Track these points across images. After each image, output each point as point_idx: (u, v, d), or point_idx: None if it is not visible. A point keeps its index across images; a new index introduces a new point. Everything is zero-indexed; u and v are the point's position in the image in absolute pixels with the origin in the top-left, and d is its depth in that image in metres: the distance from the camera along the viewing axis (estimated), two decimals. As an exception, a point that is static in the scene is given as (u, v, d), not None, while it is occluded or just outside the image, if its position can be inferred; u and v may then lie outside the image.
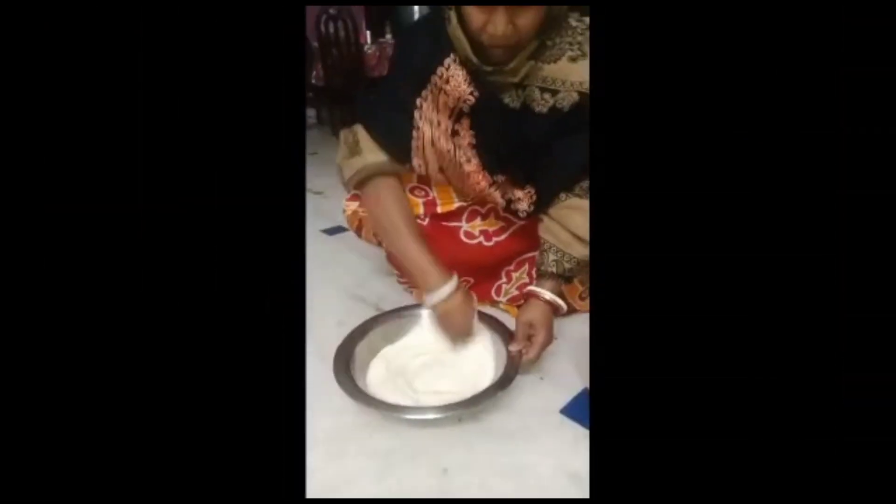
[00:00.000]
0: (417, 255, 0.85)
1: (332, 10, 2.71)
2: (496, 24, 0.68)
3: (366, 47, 2.98)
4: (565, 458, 0.75)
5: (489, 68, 0.75)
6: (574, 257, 0.84)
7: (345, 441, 0.79)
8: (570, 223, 0.84)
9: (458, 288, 0.85)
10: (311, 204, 1.89)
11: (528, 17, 0.70)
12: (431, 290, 0.84)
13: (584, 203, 0.84)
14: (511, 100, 0.81)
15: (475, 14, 0.69)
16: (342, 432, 0.80)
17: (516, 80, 0.78)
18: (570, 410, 0.83)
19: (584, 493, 0.70)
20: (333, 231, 1.64)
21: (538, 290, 0.85)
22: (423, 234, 0.91)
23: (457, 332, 0.89)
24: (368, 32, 3.34)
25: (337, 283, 1.26)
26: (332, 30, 2.73)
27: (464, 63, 0.78)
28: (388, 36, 3.43)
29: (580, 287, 1.01)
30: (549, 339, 0.85)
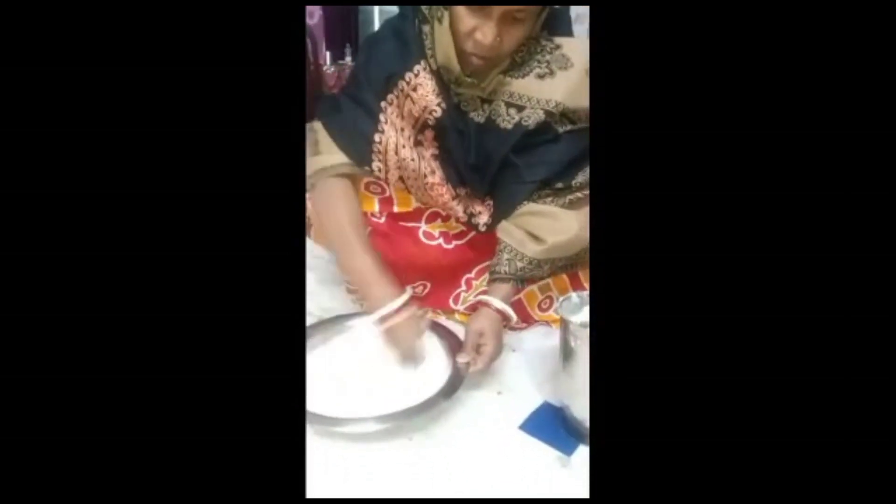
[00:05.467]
0: (364, 265, 0.80)
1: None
2: (485, 33, 0.68)
3: (325, 67, 2.96)
4: (526, 476, 0.68)
5: (467, 78, 0.75)
6: (526, 255, 0.82)
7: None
8: (525, 224, 0.83)
9: (408, 304, 0.79)
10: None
11: (515, 34, 0.70)
12: (378, 305, 0.78)
13: (543, 207, 0.83)
14: (476, 114, 0.80)
15: (466, 18, 0.68)
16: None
17: (484, 94, 0.78)
18: (529, 426, 0.77)
19: (548, 514, 0.64)
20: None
21: (488, 298, 0.82)
22: (377, 236, 0.86)
23: (402, 352, 0.82)
24: (328, 53, 3.32)
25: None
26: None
27: (434, 73, 0.76)
28: (348, 58, 3.42)
29: (539, 295, 0.97)
30: (499, 349, 0.80)
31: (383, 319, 0.78)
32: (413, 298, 0.81)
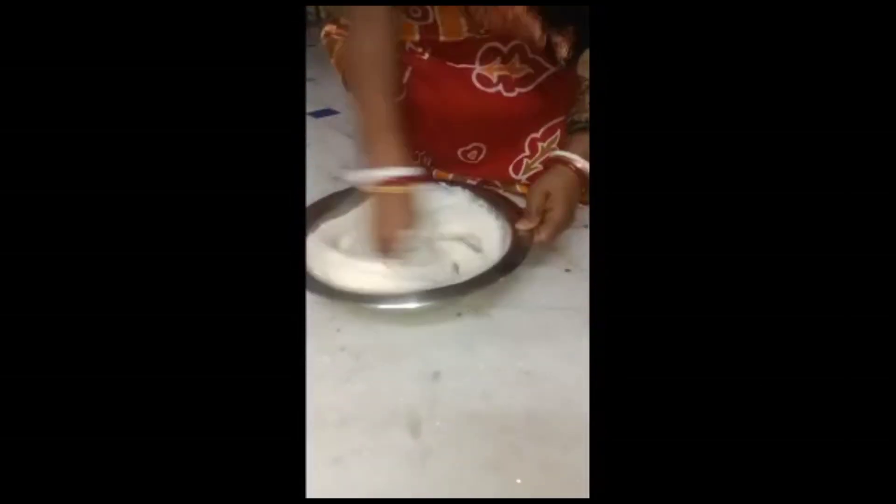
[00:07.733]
0: (377, 108, 0.62)
1: None
2: None
3: None
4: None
5: None
6: None
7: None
8: None
9: (409, 179, 0.62)
10: (299, 88, 1.73)
11: None
12: (377, 164, 0.62)
13: None
14: None
15: None
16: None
17: None
18: (603, 309, 0.64)
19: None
20: (321, 114, 1.47)
21: (565, 153, 0.66)
22: (418, 80, 0.69)
23: (379, 237, 0.64)
24: None
25: (318, 166, 1.10)
26: None
27: None
28: None
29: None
30: (569, 217, 0.65)
31: (376, 184, 0.61)
32: (415, 178, 0.63)
